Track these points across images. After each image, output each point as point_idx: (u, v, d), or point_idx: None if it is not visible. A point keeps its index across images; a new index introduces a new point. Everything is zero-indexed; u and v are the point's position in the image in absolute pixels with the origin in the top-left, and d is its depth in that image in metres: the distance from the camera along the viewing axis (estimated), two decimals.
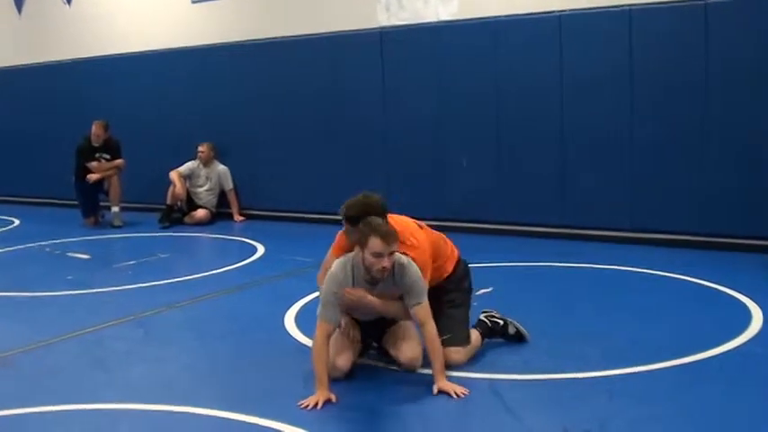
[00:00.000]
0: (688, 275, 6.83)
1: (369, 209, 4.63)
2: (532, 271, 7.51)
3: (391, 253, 4.44)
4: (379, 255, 4.41)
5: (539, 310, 5.94)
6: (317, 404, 4.30)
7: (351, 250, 4.66)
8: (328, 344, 4.56)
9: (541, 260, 7.75)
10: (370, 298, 4.60)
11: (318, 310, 4.64)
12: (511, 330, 5.23)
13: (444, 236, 5.18)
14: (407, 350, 4.75)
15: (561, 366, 4.79)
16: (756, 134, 7.60)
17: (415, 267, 4.60)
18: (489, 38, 8.92)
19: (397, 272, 4.56)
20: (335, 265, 4.64)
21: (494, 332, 5.18)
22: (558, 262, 7.64)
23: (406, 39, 9.59)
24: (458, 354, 4.82)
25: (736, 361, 4.85)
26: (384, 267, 4.43)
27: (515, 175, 8.94)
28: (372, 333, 4.88)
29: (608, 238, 8.39)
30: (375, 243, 4.39)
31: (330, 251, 4.96)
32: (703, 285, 6.56)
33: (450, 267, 5.05)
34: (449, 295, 4.99)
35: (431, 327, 4.55)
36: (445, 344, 4.74)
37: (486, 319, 5.20)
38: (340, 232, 4.88)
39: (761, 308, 5.79)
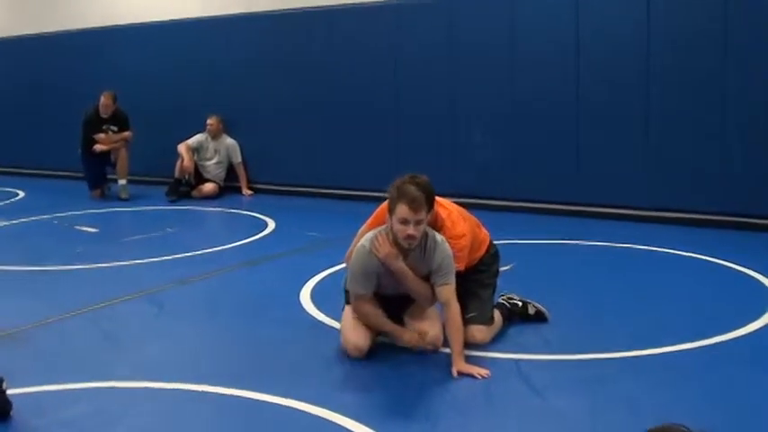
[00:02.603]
0: (707, 255, 6.74)
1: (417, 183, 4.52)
2: (548, 248, 7.43)
3: (418, 222, 4.33)
4: (405, 221, 4.31)
5: (556, 289, 5.85)
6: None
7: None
8: (368, 304, 4.54)
9: (556, 238, 7.67)
10: (401, 263, 4.48)
11: (349, 286, 4.57)
12: (531, 311, 5.17)
13: (478, 221, 5.10)
14: (429, 329, 4.67)
15: (583, 347, 4.73)
16: None
17: (447, 247, 4.52)
18: (504, 8, 8.78)
19: (429, 247, 4.48)
20: (365, 238, 4.55)
21: (513, 314, 5.12)
22: (574, 239, 7.56)
23: (419, 9, 9.46)
24: (481, 333, 4.75)
25: (760, 343, 4.77)
26: (410, 235, 4.33)
27: (529, 150, 8.83)
28: (393, 314, 4.79)
29: (624, 216, 8.29)
30: (402, 209, 4.30)
31: (364, 225, 4.86)
32: (723, 265, 6.47)
33: (481, 252, 4.98)
34: (477, 275, 4.92)
35: (455, 307, 4.47)
36: (470, 322, 4.69)
37: (505, 302, 5.14)
38: (382, 206, 4.73)
39: None
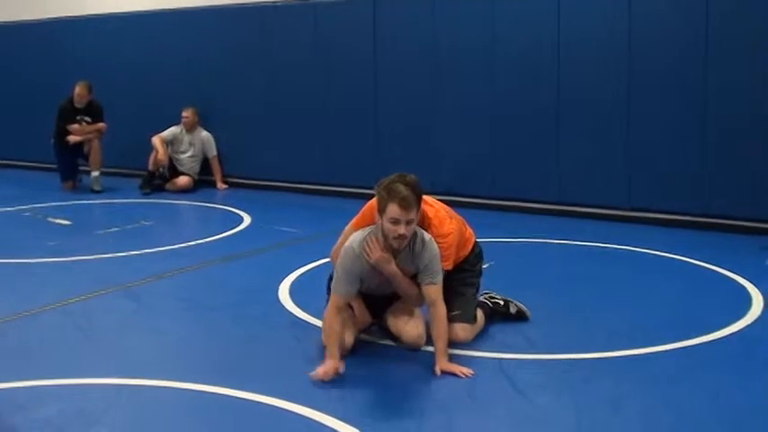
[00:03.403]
0: (686, 256, 6.75)
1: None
2: (528, 248, 7.42)
3: (409, 222, 4.30)
4: (396, 221, 4.28)
5: (538, 288, 5.84)
6: (326, 374, 4.21)
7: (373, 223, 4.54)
8: (339, 316, 4.43)
9: (536, 237, 7.66)
10: (393, 267, 4.46)
11: (332, 285, 4.54)
12: (512, 310, 5.16)
13: (463, 220, 5.08)
14: (412, 329, 4.65)
15: (566, 347, 4.72)
16: (757, 111, 7.50)
17: (435, 246, 4.50)
18: (486, 5, 8.75)
19: (417, 246, 4.46)
20: (353, 238, 4.51)
21: (495, 313, 5.11)
22: (554, 239, 7.55)
23: (399, 4, 9.41)
24: (464, 331, 4.74)
25: (740, 345, 4.79)
26: (401, 235, 4.30)
27: (510, 149, 8.81)
28: (378, 311, 4.76)
29: (605, 216, 8.29)
30: (393, 209, 4.26)
31: (350, 223, 4.81)
32: (702, 266, 6.48)
33: (467, 251, 4.97)
34: (461, 274, 4.90)
35: (441, 307, 4.46)
36: (454, 320, 4.68)
37: (487, 301, 5.13)
38: (368, 204, 4.70)
39: (760, 291, 5.73)
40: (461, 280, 4.89)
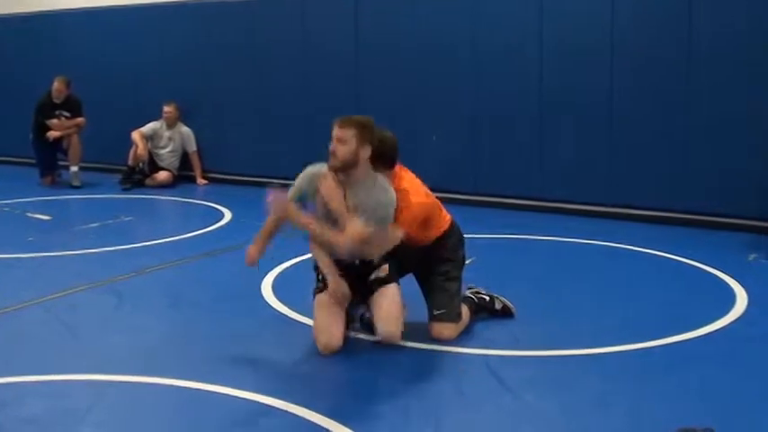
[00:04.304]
0: (669, 253, 6.75)
1: (379, 137, 4.60)
2: (511, 244, 7.40)
3: (341, 140, 4.44)
4: (331, 138, 4.47)
5: (521, 285, 5.82)
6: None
7: None
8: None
9: (519, 233, 7.64)
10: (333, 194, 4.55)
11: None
12: (497, 306, 5.14)
13: (440, 203, 5.03)
14: (386, 324, 4.60)
15: (552, 343, 4.71)
16: (739, 109, 7.53)
17: (392, 197, 4.49)
18: (468, 2, 8.72)
19: (368, 183, 4.52)
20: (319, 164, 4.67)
21: (481, 308, 5.09)
22: (537, 235, 7.55)
23: (382, 1, 9.38)
24: (449, 330, 4.72)
25: (726, 341, 4.80)
26: (331, 151, 4.46)
27: (493, 146, 8.80)
28: (359, 290, 4.74)
29: (587, 212, 8.29)
30: (334, 127, 4.50)
31: None
32: (685, 263, 6.49)
33: (441, 230, 4.89)
34: (444, 265, 4.86)
35: (350, 231, 4.45)
36: (438, 319, 4.69)
37: (472, 296, 5.11)
38: None
39: (744, 287, 5.75)
40: (445, 274, 4.84)
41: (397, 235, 4.57)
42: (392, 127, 9.16)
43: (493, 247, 7.16)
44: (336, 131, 4.48)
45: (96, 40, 11.61)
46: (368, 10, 9.45)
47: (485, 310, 5.11)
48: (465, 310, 4.91)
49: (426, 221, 4.80)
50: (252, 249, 4.87)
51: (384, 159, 4.65)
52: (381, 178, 4.55)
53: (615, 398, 4.01)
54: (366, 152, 4.50)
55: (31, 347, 4.77)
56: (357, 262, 4.67)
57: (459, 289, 4.93)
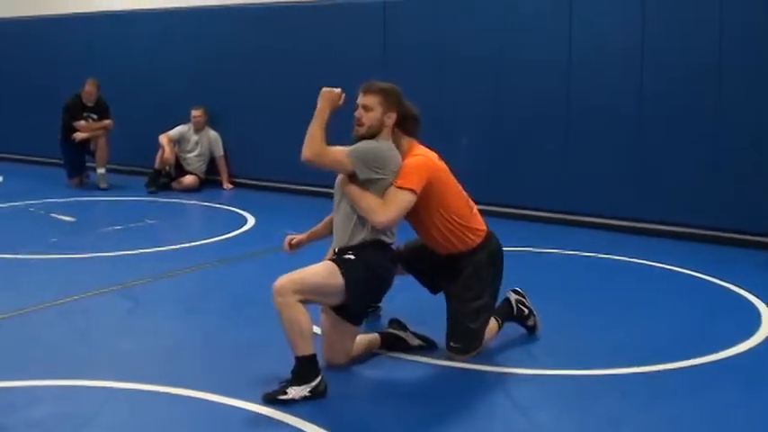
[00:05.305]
0: (696, 271, 6.59)
1: (404, 103, 4.54)
2: (532, 258, 7.29)
3: (365, 107, 4.40)
4: (356, 106, 4.46)
5: (541, 300, 5.67)
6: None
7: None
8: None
9: (540, 246, 7.53)
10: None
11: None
12: (530, 323, 5.02)
13: (473, 204, 4.84)
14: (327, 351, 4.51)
15: (569, 362, 4.60)
16: None
17: (390, 154, 4.39)
18: (497, 8, 8.65)
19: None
20: None
21: (513, 317, 4.96)
22: (559, 249, 7.44)
23: (409, 7, 9.33)
24: (462, 358, 4.59)
25: (748, 364, 4.67)
26: (358, 117, 4.43)
27: (517, 157, 8.70)
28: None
29: (611, 227, 8.16)
30: (359, 94, 4.48)
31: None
32: (712, 282, 6.34)
33: (468, 235, 4.66)
34: (469, 291, 4.60)
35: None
36: (453, 351, 4.58)
37: (514, 303, 4.96)
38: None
39: None
40: (470, 303, 4.57)
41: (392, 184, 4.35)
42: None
43: (515, 260, 7.03)
44: (361, 98, 4.43)
45: (125, 43, 11.67)
46: (396, 16, 9.41)
47: (516, 320, 4.99)
48: (491, 328, 4.73)
49: (441, 202, 4.57)
50: (297, 237, 4.78)
51: (407, 122, 4.55)
52: (386, 140, 4.46)
53: (629, 420, 3.91)
54: (391, 119, 4.45)
55: (44, 351, 4.74)
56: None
57: (484, 325, 4.66)
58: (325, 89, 4.44)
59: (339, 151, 4.34)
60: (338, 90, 4.42)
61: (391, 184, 4.34)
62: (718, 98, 7.55)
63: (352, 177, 4.34)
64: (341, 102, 4.42)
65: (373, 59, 9.51)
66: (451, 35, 8.98)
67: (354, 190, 4.31)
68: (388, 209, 4.27)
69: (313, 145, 4.26)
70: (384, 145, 4.42)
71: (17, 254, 6.99)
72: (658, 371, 4.51)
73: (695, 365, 4.59)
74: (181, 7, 11.21)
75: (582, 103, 8.26)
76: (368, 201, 4.28)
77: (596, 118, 8.21)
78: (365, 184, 4.31)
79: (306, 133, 4.32)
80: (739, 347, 4.87)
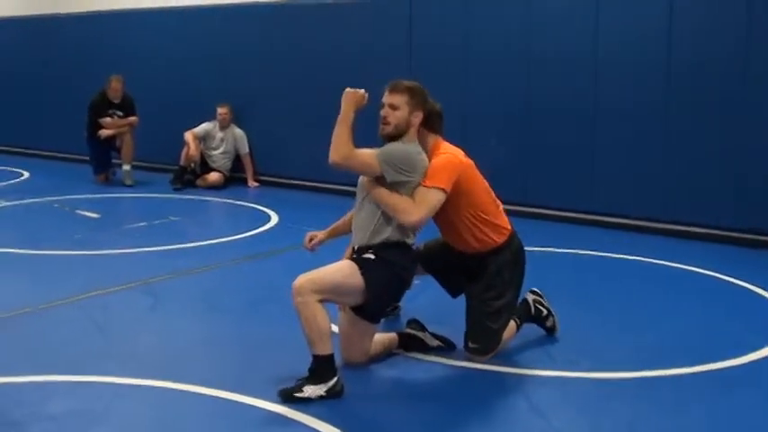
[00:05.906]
0: (723, 273, 6.46)
1: (429, 101, 4.51)
2: (558, 258, 7.20)
3: (391, 105, 4.36)
4: (382, 105, 4.40)
5: (562, 301, 5.60)
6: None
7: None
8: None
9: (567, 247, 7.44)
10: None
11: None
12: (549, 323, 4.97)
13: (499, 202, 4.82)
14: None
15: (587, 364, 4.54)
16: None
17: (418, 156, 4.35)
18: (522, 5, 8.58)
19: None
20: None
21: (531, 318, 4.92)
22: (583, 249, 7.34)
23: (435, 4, 9.28)
24: (480, 358, 4.55)
25: None
26: (384, 116, 4.37)
27: (543, 155, 8.61)
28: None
29: (637, 228, 8.04)
30: (385, 93, 4.42)
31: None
32: (739, 285, 6.20)
33: (493, 233, 4.63)
34: (489, 291, 4.57)
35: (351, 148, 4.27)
36: (471, 351, 4.55)
37: (532, 303, 4.92)
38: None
39: None
40: (489, 304, 4.54)
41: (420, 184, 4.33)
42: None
43: (538, 260, 6.96)
44: (388, 97, 4.38)
45: (151, 40, 11.72)
46: (422, 14, 9.35)
47: (534, 321, 4.95)
48: (510, 329, 4.68)
49: (469, 199, 4.55)
50: (317, 234, 4.74)
51: (432, 120, 4.53)
52: (413, 142, 4.43)
53: (648, 425, 3.85)
54: (417, 118, 4.42)
55: (62, 346, 4.76)
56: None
57: (508, 318, 4.65)
58: (348, 90, 4.37)
59: (367, 154, 4.30)
60: (361, 91, 4.37)
61: (419, 184, 4.31)
62: (745, 94, 7.42)
63: (378, 179, 4.30)
64: (365, 102, 4.37)
65: (399, 58, 9.47)
66: (477, 33, 8.92)
67: (382, 190, 4.28)
68: (419, 208, 4.26)
69: (340, 148, 4.22)
70: (412, 148, 4.38)
71: (41, 249, 7.03)
72: (680, 374, 4.43)
73: (719, 369, 4.51)
74: (209, 5, 11.24)
75: (607, 102, 8.15)
76: (398, 201, 4.27)
77: (623, 117, 8.09)
78: (393, 186, 4.28)
79: (332, 136, 4.27)
80: (765, 351, 4.77)
